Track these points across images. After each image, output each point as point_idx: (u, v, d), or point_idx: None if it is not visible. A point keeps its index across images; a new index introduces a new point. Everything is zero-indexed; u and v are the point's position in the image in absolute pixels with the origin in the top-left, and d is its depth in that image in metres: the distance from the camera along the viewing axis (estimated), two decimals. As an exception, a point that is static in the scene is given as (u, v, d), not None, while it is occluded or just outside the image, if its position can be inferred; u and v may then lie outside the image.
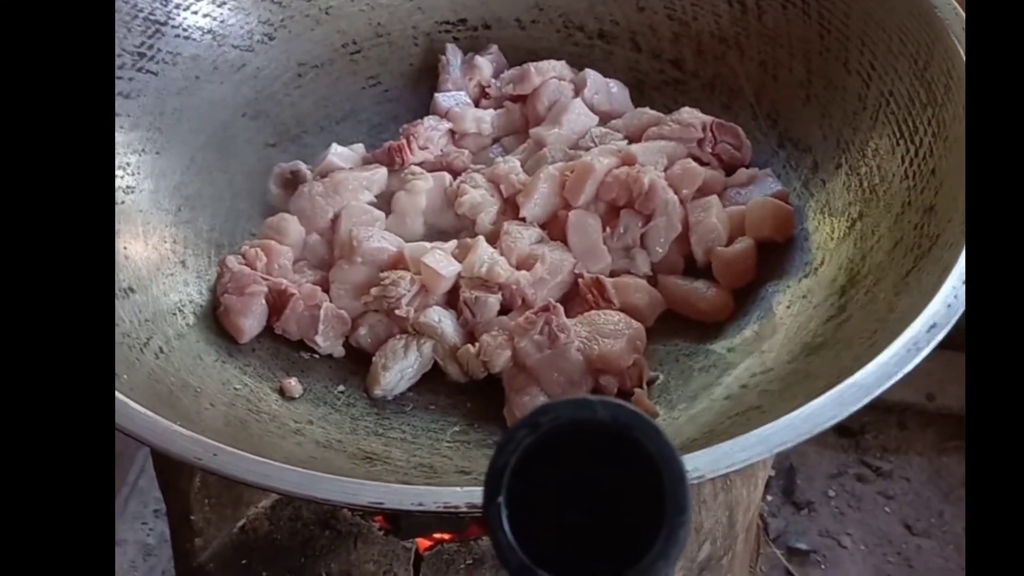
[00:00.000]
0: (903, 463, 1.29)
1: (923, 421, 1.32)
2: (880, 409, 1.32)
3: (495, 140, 0.89)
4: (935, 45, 0.74)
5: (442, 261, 0.75)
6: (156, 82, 0.82)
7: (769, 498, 1.24)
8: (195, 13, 0.85)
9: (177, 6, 0.84)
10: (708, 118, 0.84)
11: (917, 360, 0.59)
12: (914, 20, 0.76)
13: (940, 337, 0.59)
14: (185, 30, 0.84)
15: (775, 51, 0.86)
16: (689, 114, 0.84)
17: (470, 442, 0.72)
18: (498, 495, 0.35)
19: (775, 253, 0.80)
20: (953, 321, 0.60)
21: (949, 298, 0.60)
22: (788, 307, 0.76)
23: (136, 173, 0.79)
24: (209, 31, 0.86)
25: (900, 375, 0.58)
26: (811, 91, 0.84)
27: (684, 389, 0.74)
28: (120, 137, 0.79)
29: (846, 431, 1.31)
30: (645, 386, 0.73)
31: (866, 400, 0.58)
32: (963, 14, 0.74)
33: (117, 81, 0.79)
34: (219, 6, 0.86)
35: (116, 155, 0.78)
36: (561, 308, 0.73)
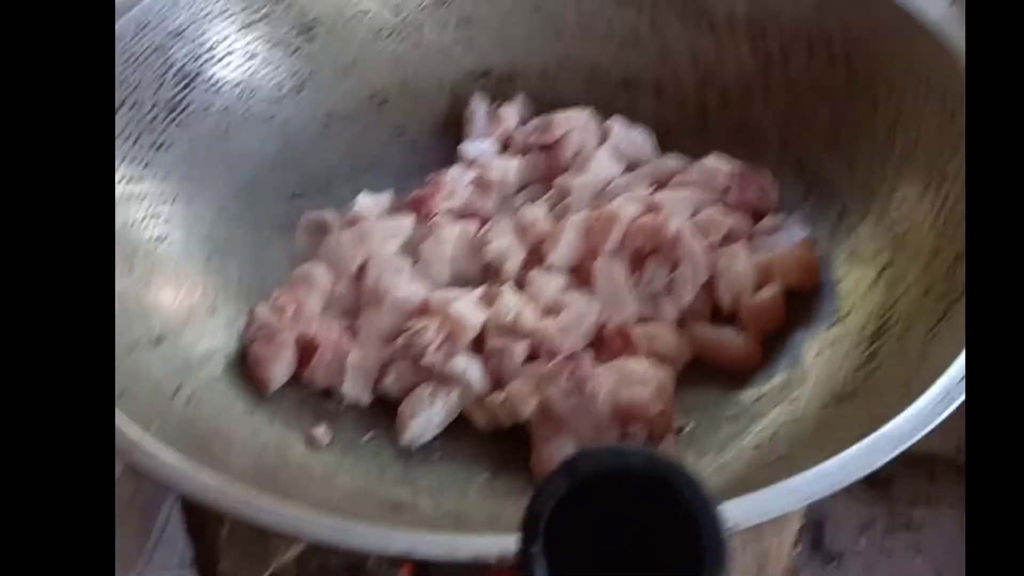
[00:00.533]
0: (933, 515, 1.28)
1: (953, 472, 1.30)
2: (909, 460, 1.29)
3: (520, 188, 0.89)
4: (963, 92, 0.74)
5: (468, 309, 0.75)
6: (187, 134, 0.83)
7: (798, 550, 1.23)
8: (226, 66, 0.86)
9: (209, 60, 0.85)
10: (734, 165, 0.84)
11: (952, 408, 0.59)
12: (942, 68, 0.76)
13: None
14: (216, 83, 0.85)
15: (800, 99, 0.86)
16: (715, 161, 0.84)
17: (497, 491, 0.72)
18: (534, 543, 0.34)
19: (803, 301, 0.79)
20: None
21: (981, 345, 0.60)
22: (817, 355, 0.75)
23: (168, 222, 0.79)
24: (239, 84, 0.87)
25: (934, 424, 0.58)
26: (837, 139, 0.84)
27: (712, 438, 0.73)
28: (153, 187, 0.79)
29: (875, 482, 1.30)
30: (673, 435, 0.72)
31: (900, 449, 0.58)
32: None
33: (150, 134, 0.81)
34: (249, 59, 0.87)
35: (149, 205, 0.78)
36: (588, 356, 0.72)
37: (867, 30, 0.82)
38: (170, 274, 0.77)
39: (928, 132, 0.76)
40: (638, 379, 0.72)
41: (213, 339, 0.77)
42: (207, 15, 0.85)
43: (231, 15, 0.87)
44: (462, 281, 0.82)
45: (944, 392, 0.59)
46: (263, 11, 0.88)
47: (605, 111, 0.93)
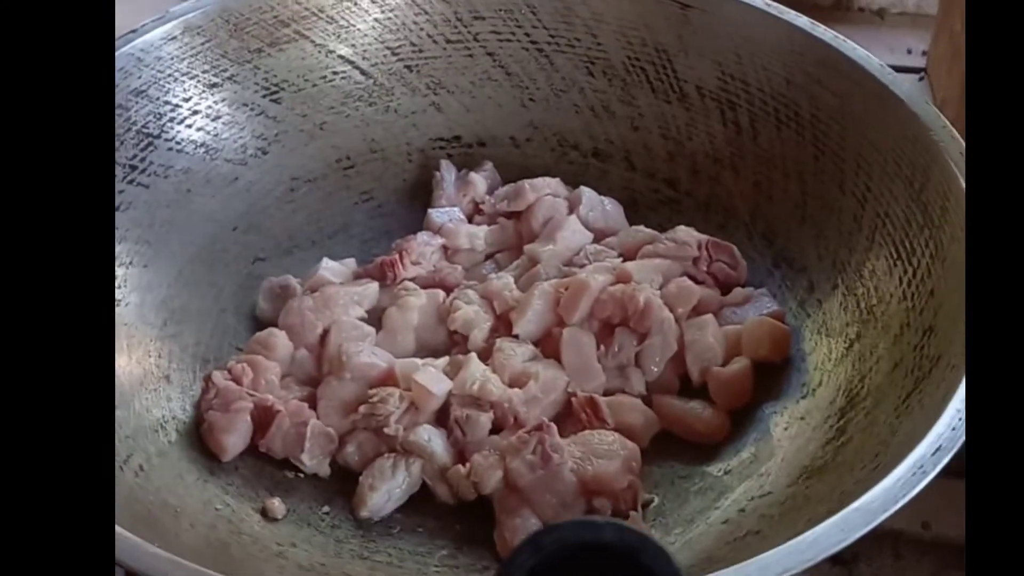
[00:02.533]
0: (900, 593, 1.26)
1: (919, 550, 1.27)
2: (874, 537, 1.28)
3: (488, 256, 0.88)
4: (931, 168, 0.74)
5: (433, 378, 0.74)
6: (147, 195, 0.81)
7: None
8: (189, 127, 0.85)
9: (171, 120, 0.84)
10: (703, 236, 0.84)
11: (923, 484, 0.57)
12: (909, 143, 0.76)
13: (946, 461, 0.58)
14: (178, 143, 0.84)
15: (770, 171, 0.86)
16: (684, 232, 0.84)
17: (459, 566, 0.70)
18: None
19: (772, 374, 0.79)
20: (958, 444, 0.58)
21: (953, 421, 0.59)
22: (786, 429, 0.74)
23: (122, 286, 0.77)
24: (202, 144, 0.85)
25: (906, 499, 0.57)
26: (806, 212, 0.83)
27: (680, 512, 0.71)
28: (109, 249, 0.78)
29: (839, 559, 1.27)
30: (640, 509, 0.71)
31: (872, 525, 0.56)
32: (959, 138, 0.74)
33: (108, 193, 0.79)
34: (213, 120, 0.86)
35: (103, 267, 0.76)
36: (554, 427, 0.71)
37: (835, 105, 0.82)
38: (123, 338, 0.75)
39: (896, 207, 0.76)
40: (605, 452, 0.71)
41: (166, 406, 0.75)
42: (171, 74, 0.84)
43: (195, 75, 0.85)
44: (428, 350, 0.81)
45: (915, 468, 0.58)
46: (228, 72, 0.87)
47: (575, 180, 0.92)
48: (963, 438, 0.58)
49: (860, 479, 0.62)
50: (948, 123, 0.75)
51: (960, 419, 0.59)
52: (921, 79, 1.22)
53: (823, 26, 0.84)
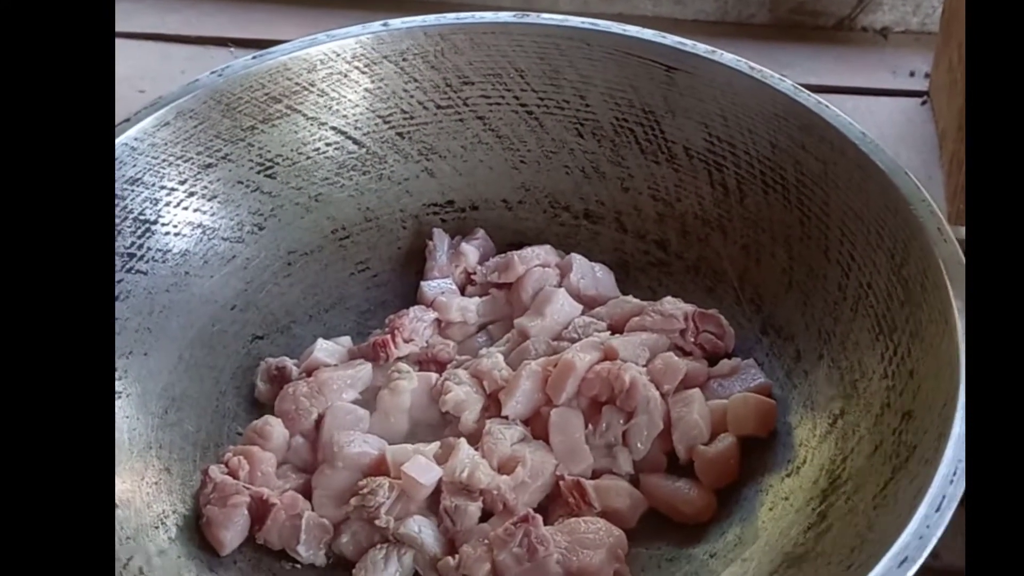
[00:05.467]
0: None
1: None
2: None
3: (481, 327, 0.90)
4: (911, 243, 0.74)
5: (422, 468, 0.75)
6: (146, 281, 0.83)
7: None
8: (186, 209, 0.86)
9: (168, 204, 0.85)
10: (690, 307, 0.85)
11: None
12: (890, 215, 0.76)
13: (912, 571, 0.59)
14: (175, 227, 0.86)
15: (757, 235, 0.87)
16: (671, 304, 0.85)
17: (452, 656, 0.72)
18: None
19: (758, 446, 0.80)
20: (926, 552, 0.60)
21: (921, 528, 0.60)
22: (770, 509, 0.75)
23: (123, 377, 0.79)
24: (199, 225, 0.87)
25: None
26: (793, 277, 0.84)
27: (666, 599, 0.73)
28: (109, 340, 0.80)
29: None
30: (626, 597, 0.73)
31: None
32: (939, 213, 0.74)
33: (107, 283, 0.81)
34: (209, 200, 0.88)
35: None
36: (540, 519, 0.72)
37: (819, 171, 0.82)
38: (124, 433, 0.77)
39: (879, 279, 0.76)
40: (591, 541, 0.72)
41: (167, 500, 0.77)
42: (166, 159, 0.86)
43: (190, 158, 0.87)
44: (422, 428, 0.82)
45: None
46: (223, 151, 0.88)
47: (567, 242, 0.94)
48: (930, 547, 0.60)
49: (836, 574, 0.63)
50: (928, 197, 0.75)
51: (928, 526, 0.60)
52: (924, 103, 1.21)
53: (806, 91, 0.84)
